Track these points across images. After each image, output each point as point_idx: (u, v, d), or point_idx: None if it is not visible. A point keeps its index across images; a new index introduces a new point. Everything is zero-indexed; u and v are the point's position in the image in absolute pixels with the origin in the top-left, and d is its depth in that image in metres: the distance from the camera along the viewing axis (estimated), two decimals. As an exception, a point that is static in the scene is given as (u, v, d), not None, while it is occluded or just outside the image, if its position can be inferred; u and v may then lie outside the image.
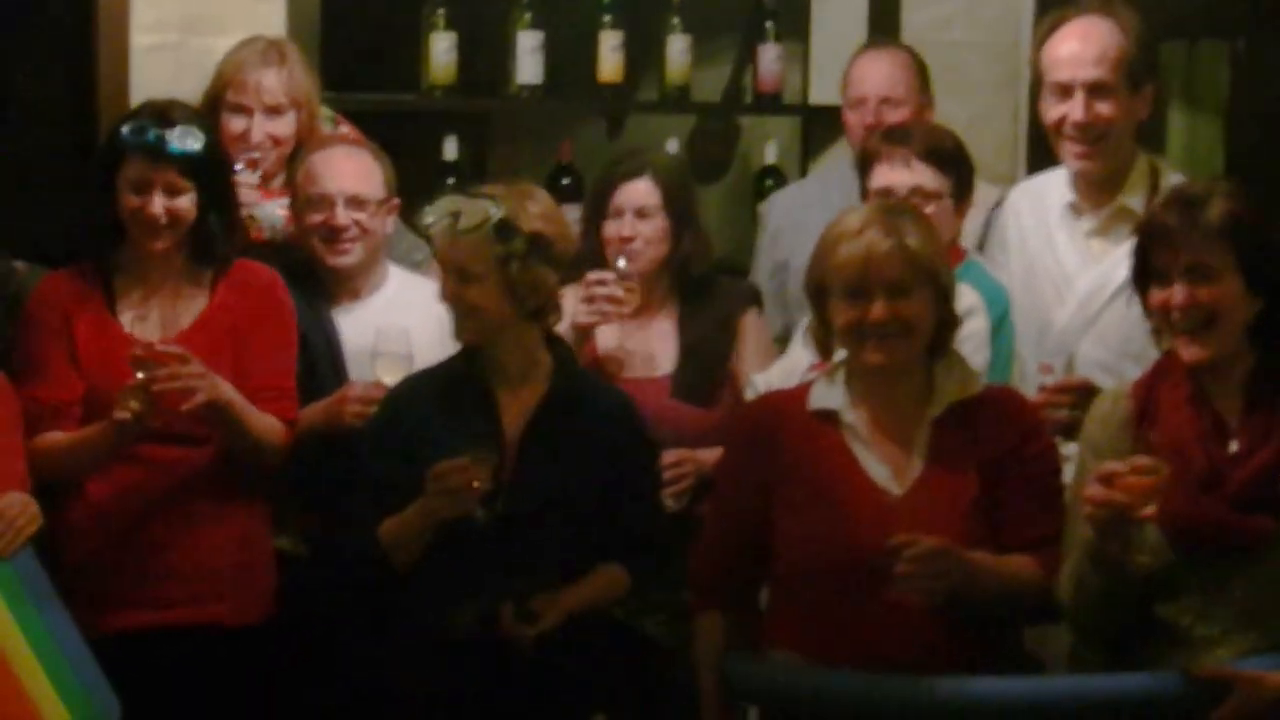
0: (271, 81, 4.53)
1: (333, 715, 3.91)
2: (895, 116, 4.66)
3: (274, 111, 4.53)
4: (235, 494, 4.05)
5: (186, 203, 3.99)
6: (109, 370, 3.94)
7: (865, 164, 4.30)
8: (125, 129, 3.99)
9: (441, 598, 3.75)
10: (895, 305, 3.50)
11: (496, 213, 3.81)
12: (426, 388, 3.93)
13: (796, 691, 3.50)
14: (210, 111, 4.48)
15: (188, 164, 3.97)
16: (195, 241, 4.05)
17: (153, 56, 4.83)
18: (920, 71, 4.82)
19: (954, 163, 4.24)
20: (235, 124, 4.52)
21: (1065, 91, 4.23)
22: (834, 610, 3.48)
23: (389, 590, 3.82)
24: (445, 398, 3.87)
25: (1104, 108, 4.21)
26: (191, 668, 3.94)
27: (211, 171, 4.03)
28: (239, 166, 4.33)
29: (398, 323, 4.13)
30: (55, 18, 5.05)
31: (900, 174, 4.19)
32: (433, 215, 3.85)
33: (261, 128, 4.52)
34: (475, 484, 3.70)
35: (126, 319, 4.04)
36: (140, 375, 3.82)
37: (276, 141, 4.52)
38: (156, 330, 4.02)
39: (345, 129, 4.73)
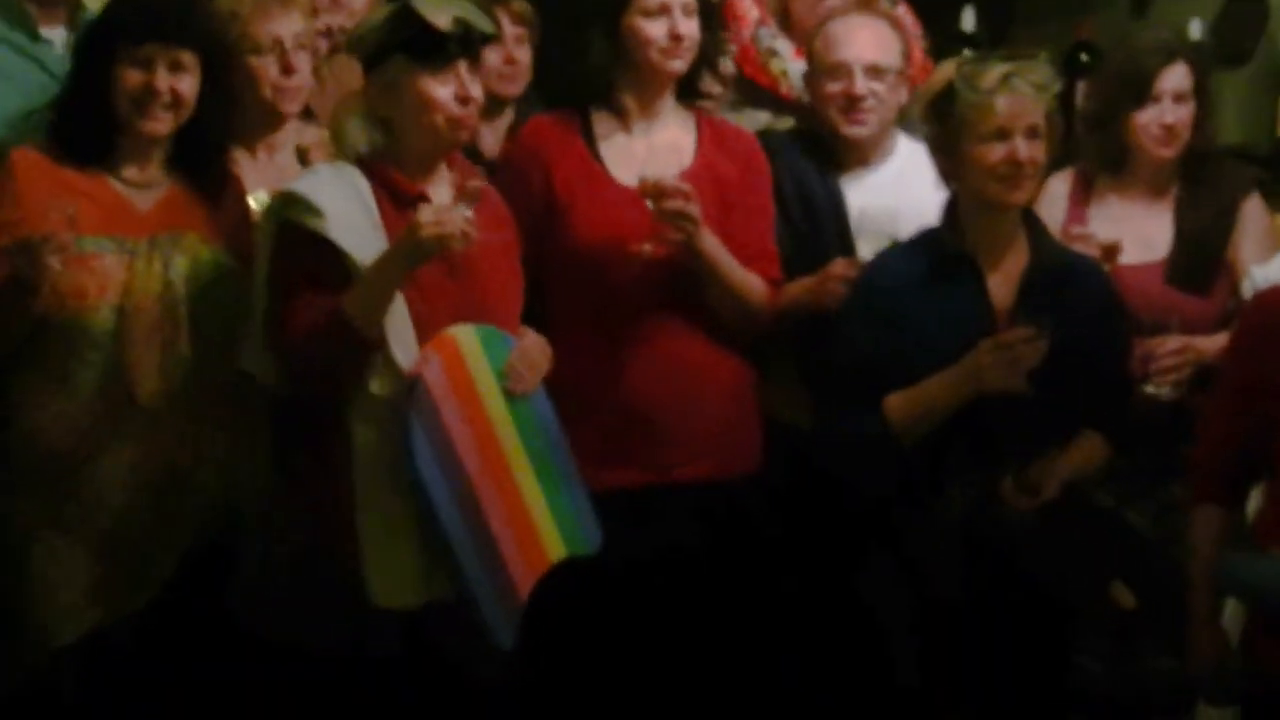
0: None
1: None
2: None
3: None
4: (722, 345, 4.10)
5: (696, 27, 4.06)
6: (594, 212, 4.04)
7: None
8: None
9: (939, 471, 3.75)
10: None
11: (1050, 68, 3.79)
12: (906, 262, 3.90)
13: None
14: None
15: None
16: (686, 83, 4.11)
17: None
18: None
19: None
20: None
21: None
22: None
23: (893, 469, 3.81)
24: (929, 271, 3.83)
25: None
26: (675, 523, 4.00)
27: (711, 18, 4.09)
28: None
29: (876, 200, 4.12)
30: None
31: None
32: (985, 79, 3.77)
33: None
34: (1034, 359, 3.67)
35: (610, 165, 4.12)
36: (650, 204, 3.88)
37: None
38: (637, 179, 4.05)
39: (902, 9, 4.68)
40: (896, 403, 3.78)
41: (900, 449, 3.78)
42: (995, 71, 3.76)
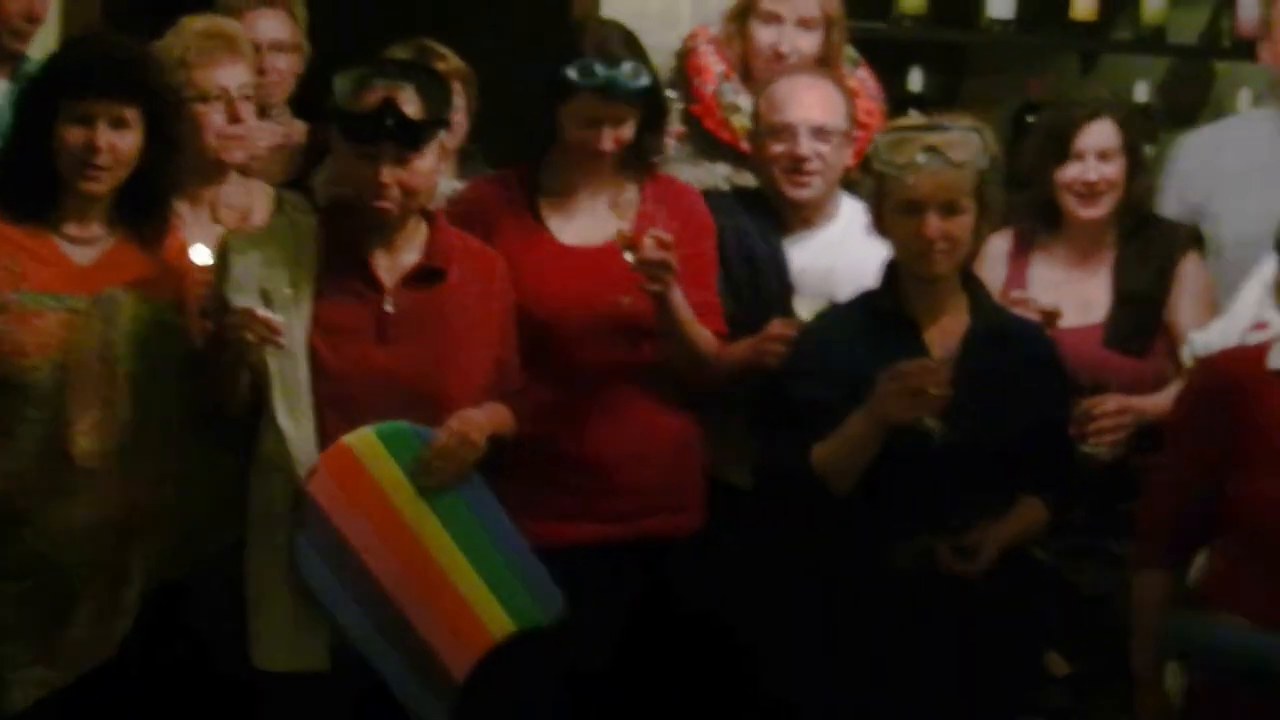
0: None
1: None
2: None
3: (805, 25, 4.56)
4: (671, 402, 4.10)
5: (629, 131, 4.03)
6: (535, 272, 4.02)
7: None
8: (573, 70, 3.98)
9: (877, 532, 3.72)
10: None
11: (979, 140, 3.76)
12: (846, 320, 3.89)
13: (1246, 656, 3.41)
14: (739, 19, 4.58)
15: (636, 98, 4.01)
16: (631, 150, 4.09)
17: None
18: None
19: None
20: (765, 35, 4.57)
21: None
22: (1286, 572, 3.40)
23: (824, 521, 3.79)
24: (867, 330, 3.80)
25: None
26: (620, 579, 4.01)
27: (653, 101, 4.07)
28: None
29: (819, 261, 4.12)
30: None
31: None
32: (900, 152, 3.74)
33: (791, 39, 4.55)
34: (934, 390, 3.63)
35: (553, 226, 4.11)
36: (629, 258, 3.86)
37: (803, 56, 4.54)
38: (580, 239, 4.08)
39: (864, 73, 4.72)
40: (819, 450, 3.74)
41: (834, 500, 3.75)
42: (912, 145, 3.74)
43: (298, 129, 4.63)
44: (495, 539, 3.81)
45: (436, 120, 3.76)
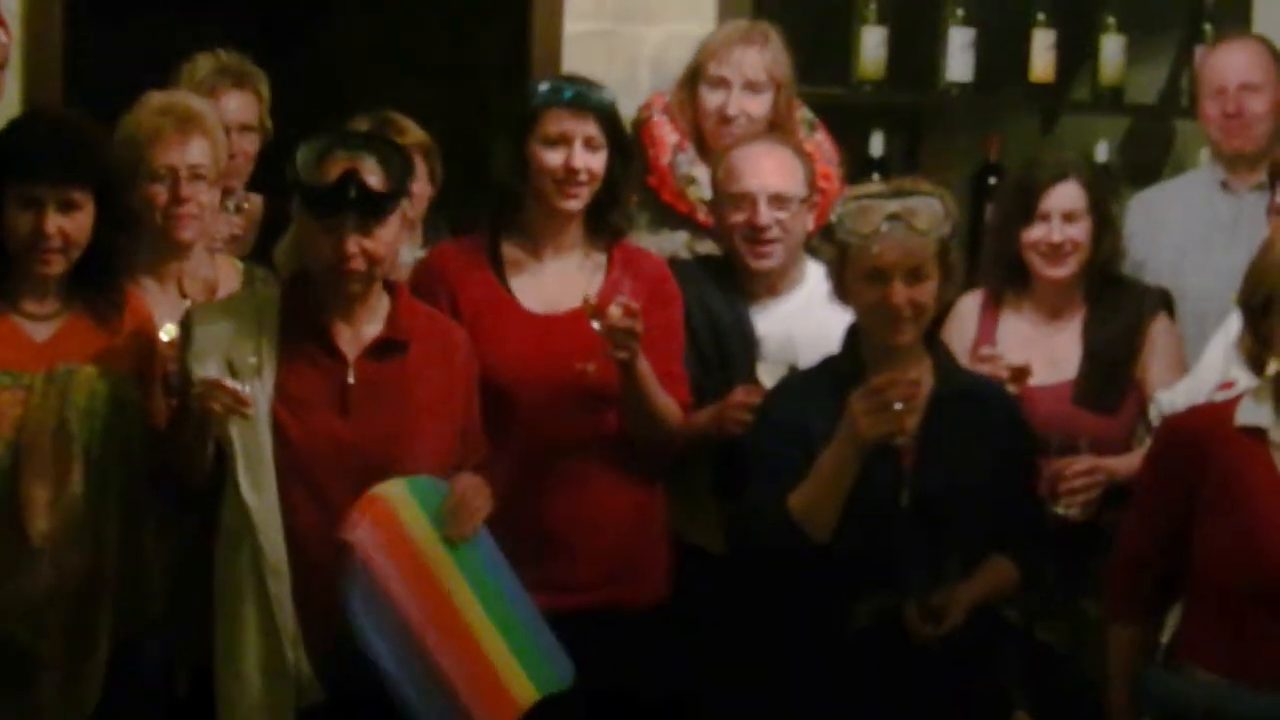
0: (754, 58, 4.59)
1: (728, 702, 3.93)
2: (1257, 104, 4.76)
3: (752, 88, 4.59)
4: (633, 471, 4.09)
5: (599, 162, 4.06)
6: (500, 338, 4.03)
7: (1273, 177, 4.22)
8: (543, 86, 4.10)
9: (842, 591, 3.71)
10: None
11: (941, 206, 3.76)
12: (810, 386, 3.88)
13: (1218, 713, 3.42)
14: (689, 86, 4.60)
15: (604, 113, 4.07)
16: (595, 215, 4.12)
17: (585, 42, 4.98)
18: (1278, 59, 4.84)
19: None
20: (712, 99, 4.60)
21: None
22: (1256, 631, 3.39)
23: (794, 579, 3.77)
24: (830, 395, 3.76)
25: None
26: (584, 649, 3.95)
27: (619, 134, 4.11)
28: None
29: (783, 329, 4.14)
30: (497, 3, 5.18)
31: None
32: (864, 221, 3.74)
33: (739, 102, 4.57)
34: (899, 405, 3.61)
35: (518, 292, 4.12)
36: (596, 325, 3.86)
37: (751, 119, 4.57)
38: (545, 306, 4.10)
39: (821, 136, 4.75)
40: (794, 498, 3.71)
41: (802, 558, 3.73)
42: (876, 213, 3.73)
43: (255, 202, 4.62)
44: (511, 601, 3.81)
45: (398, 190, 3.77)
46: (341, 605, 3.63)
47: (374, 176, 3.72)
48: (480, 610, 3.75)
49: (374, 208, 3.70)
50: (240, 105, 4.64)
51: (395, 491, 3.71)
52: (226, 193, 4.39)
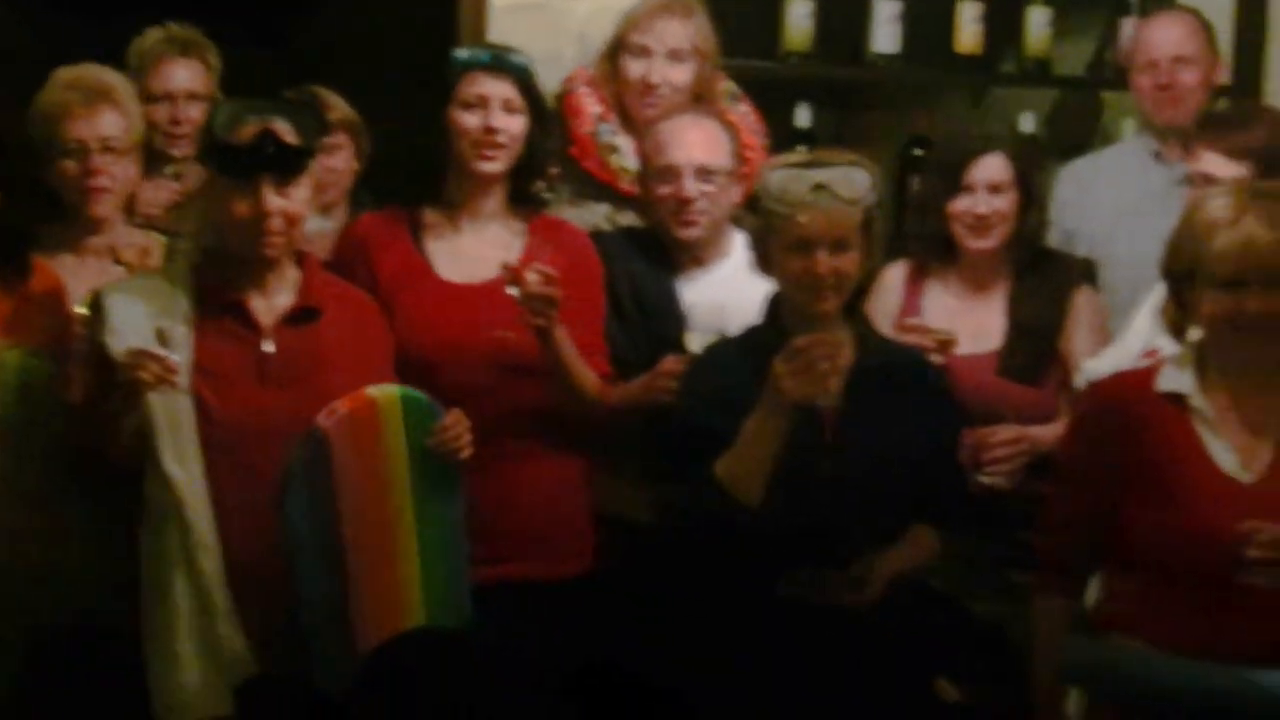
0: (676, 28, 4.59)
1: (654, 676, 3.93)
2: (1189, 76, 4.84)
3: (675, 57, 4.59)
4: (555, 443, 4.10)
5: (518, 125, 4.09)
6: (419, 308, 4.04)
7: (1189, 148, 4.29)
8: (462, 51, 4.17)
9: (767, 567, 3.70)
10: (1272, 297, 3.41)
11: (866, 176, 3.76)
12: (733, 355, 3.88)
13: (1142, 679, 3.44)
14: (612, 57, 4.61)
15: (522, 77, 4.10)
16: (518, 182, 4.15)
17: (511, 16, 4.97)
18: (1209, 31, 4.92)
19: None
20: (635, 68, 4.59)
21: None
22: (1177, 597, 3.41)
23: (719, 551, 3.76)
24: (753, 364, 3.74)
25: None
26: (506, 620, 3.97)
27: (538, 99, 4.14)
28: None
29: (711, 298, 4.13)
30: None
31: (1224, 168, 4.14)
32: (789, 190, 3.74)
33: (661, 71, 4.57)
34: (826, 366, 3.61)
35: (437, 263, 4.13)
36: (512, 291, 3.88)
37: (675, 88, 4.57)
38: (463, 276, 4.11)
39: (745, 108, 4.75)
40: (722, 463, 3.70)
41: (729, 530, 3.72)
42: (801, 183, 3.73)
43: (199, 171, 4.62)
44: (448, 537, 3.83)
45: (312, 147, 3.80)
46: (283, 477, 3.65)
47: (288, 136, 3.75)
48: (413, 532, 3.78)
49: (291, 163, 3.74)
50: (188, 74, 4.68)
51: (386, 397, 3.75)
52: (168, 160, 4.37)
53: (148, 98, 4.53)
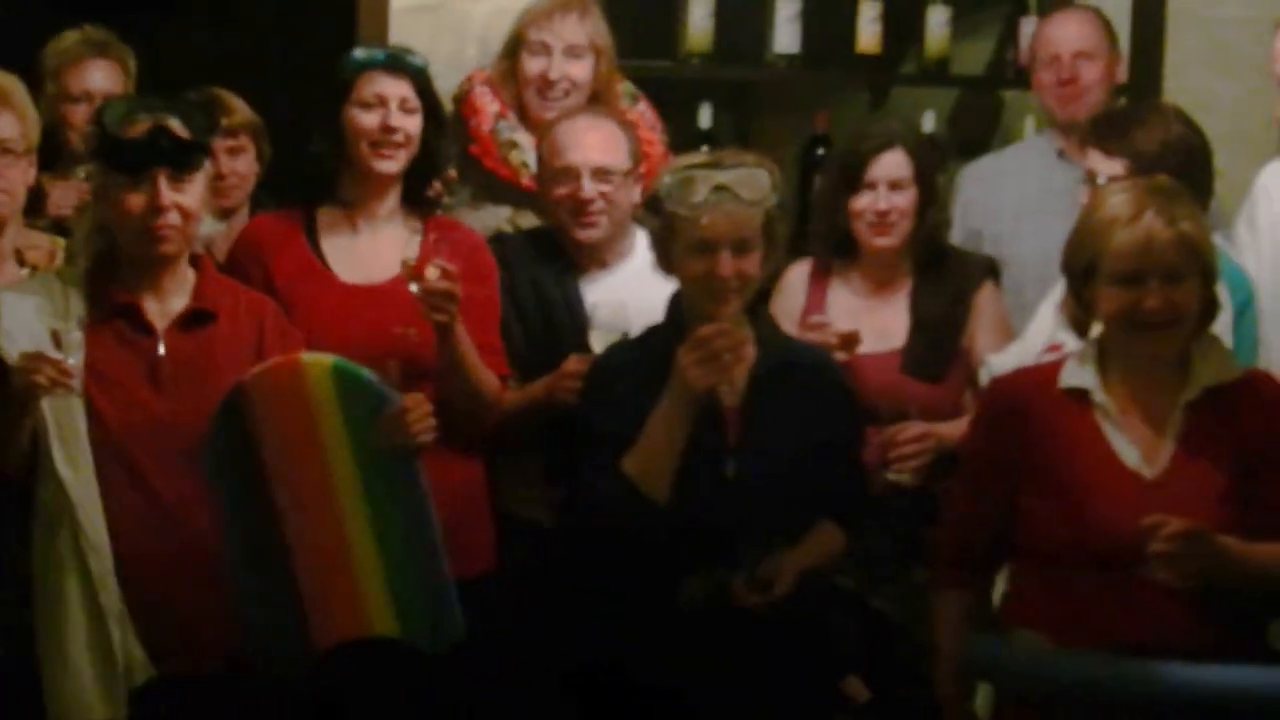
0: (574, 24, 4.59)
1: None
2: (1090, 71, 4.88)
3: (573, 53, 4.59)
4: (452, 444, 4.04)
5: (415, 125, 4.08)
6: (314, 309, 4.02)
7: (1086, 145, 4.28)
8: (358, 51, 4.15)
9: (671, 568, 3.70)
10: (1170, 293, 3.42)
11: (767, 177, 3.76)
12: (637, 356, 3.87)
13: (1041, 672, 3.46)
14: (510, 56, 4.60)
15: (418, 76, 4.10)
16: (413, 183, 4.14)
17: (412, 17, 4.96)
18: (1109, 29, 4.97)
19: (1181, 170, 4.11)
20: (534, 65, 4.59)
21: None
22: (1080, 591, 3.43)
23: (624, 554, 3.76)
24: (655, 368, 3.75)
25: None
26: None
27: (434, 100, 4.14)
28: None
29: (614, 298, 4.12)
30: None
31: (1104, 165, 4.15)
32: (691, 191, 3.73)
33: (560, 67, 4.57)
34: (729, 356, 3.62)
35: (333, 264, 4.11)
36: (413, 288, 3.86)
37: (574, 84, 4.58)
38: (360, 276, 4.10)
39: (643, 106, 4.75)
40: (628, 459, 3.70)
41: (631, 533, 3.72)
42: (704, 184, 3.73)
43: None
44: (410, 539, 3.76)
45: (205, 143, 3.79)
46: (204, 440, 3.63)
47: (181, 131, 3.73)
48: (365, 523, 3.72)
49: (185, 158, 3.72)
50: (105, 76, 4.67)
51: (316, 362, 3.73)
52: (83, 161, 4.34)
53: (65, 98, 4.53)
